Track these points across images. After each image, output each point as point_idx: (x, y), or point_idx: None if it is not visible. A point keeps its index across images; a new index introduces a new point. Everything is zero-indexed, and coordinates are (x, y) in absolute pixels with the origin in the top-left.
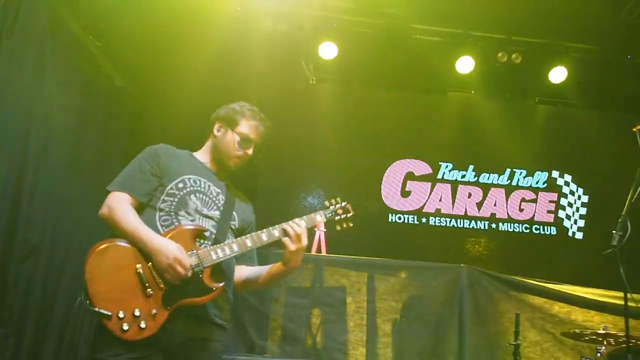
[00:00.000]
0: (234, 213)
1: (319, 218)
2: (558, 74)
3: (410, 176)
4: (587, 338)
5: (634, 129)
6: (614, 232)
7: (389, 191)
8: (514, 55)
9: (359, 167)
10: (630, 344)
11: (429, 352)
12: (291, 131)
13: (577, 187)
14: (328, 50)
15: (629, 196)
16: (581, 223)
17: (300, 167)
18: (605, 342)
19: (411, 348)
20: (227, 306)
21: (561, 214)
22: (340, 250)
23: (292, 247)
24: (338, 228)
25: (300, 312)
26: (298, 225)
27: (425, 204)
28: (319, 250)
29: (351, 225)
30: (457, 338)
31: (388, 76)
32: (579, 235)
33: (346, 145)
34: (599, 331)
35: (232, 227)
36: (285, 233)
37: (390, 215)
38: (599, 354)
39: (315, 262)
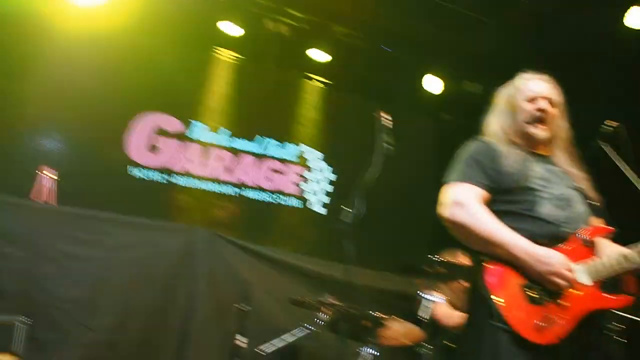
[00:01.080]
0: None
1: None
2: (322, 53)
3: (160, 131)
4: (310, 307)
5: (377, 114)
6: (345, 208)
7: (135, 144)
8: (281, 27)
9: (103, 115)
10: (346, 312)
11: (157, 311)
12: None
13: (327, 164)
14: None
15: (365, 177)
16: (326, 199)
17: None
18: (327, 311)
19: (138, 307)
20: None
21: (307, 188)
22: (76, 202)
23: None
24: None
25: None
26: None
27: (172, 161)
28: (48, 199)
29: None
30: (186, 300)
31: (154, 28)
32: (323, 211)
33: (92, 91)
34: (323, 300)
35: None
36: None
37: (133, 169)
38: (321, 322)
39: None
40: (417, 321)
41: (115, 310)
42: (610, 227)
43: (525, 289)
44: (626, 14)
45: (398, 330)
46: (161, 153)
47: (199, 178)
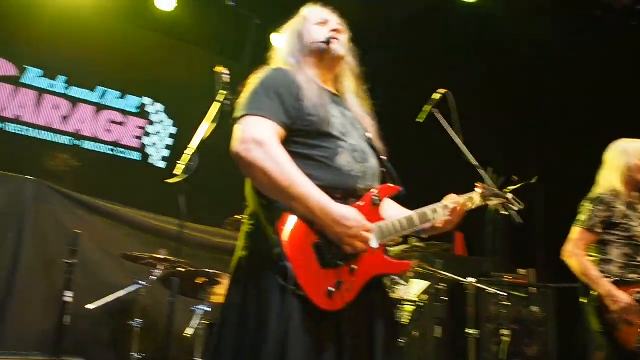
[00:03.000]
0: None
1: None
2: (167, 3)
3: None
4: (143, 262)
5: (216, 70)
6: (180, 163)
7: None
8: None
9: None
10: (179, 270)
11: None
12: None
13: (168, 117)
14: None
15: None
16: (166, 153)
17: None
18: (161, 267)
19: None
20: None
21: (147, 141)
22: None
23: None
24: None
25: None
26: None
27: (3, 107)
28: None
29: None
30: (13, 253)
31: None
32: (162, 165)
33: None
34: (156, 256)
35: None
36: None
37: None
38: (154, 277)
39: None
40: None
41: None
42: (398, 186)
43: (319, 249)
44: None
45: None
46: None
47: (32, 126)
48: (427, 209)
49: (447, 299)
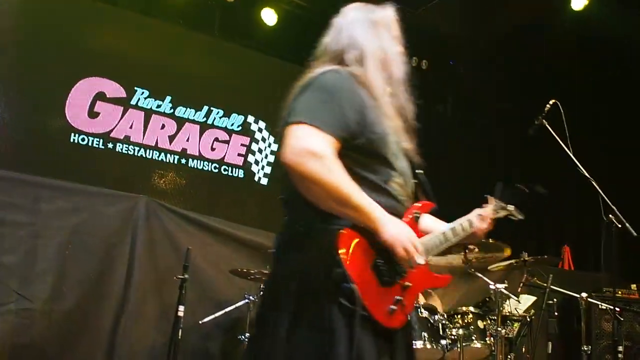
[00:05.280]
0: None
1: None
2: (268, 18)
3: (100, 96)
4: (252, 277)
5: None
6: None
7: (75, 109)
8: None
9: (43, 79)
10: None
11: (93, 281)
12: None
13: (270, 134)
14: None
15: None
16: (268, 170)
17: None
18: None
19: (74, 275)
20: None
21: (251, 158)
22: (13, 167)
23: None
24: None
25: None
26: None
27: (114, 128)
28: None
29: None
30: (126, 270)
31: None
32: (265, 181)
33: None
34: (264, 271)
35: None
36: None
37: (73, 135)
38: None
39: None
40: None
41: (51, 279)
42: (433, 202)
43: (377, 268)
44: None
45: None
46: (101, 119)
47: (140, 146)
48: (457, 225)
49: (557, 314)
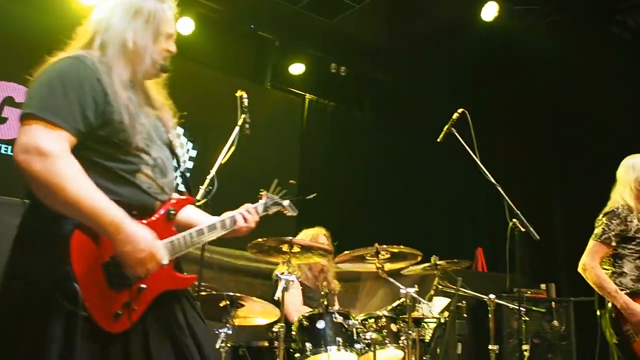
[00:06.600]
0: None
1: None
2: (185, 26)
3: (9, 101)
4: None
5: (237, 94)
6: (200, 187)
7: None
8: None
9: None
10: (201, 293)
11: None
12: None
13: (187, 140)
14: None
15: (221, 155)
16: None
17: None
18: None
19: None
20: None
21: None
22: None
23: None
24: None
25: None
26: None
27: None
28: None
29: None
30: None
31: None
32: (180, 187)
33: None
34: None
35: None
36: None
37: None
38: None
39: None
40: (274, 301)
41: None
42: (191, 197)
43: (108, 269)
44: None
45: (255, 310)
46: (9, 123)
47: None
48: (218, 221)
49: (467, 315)
